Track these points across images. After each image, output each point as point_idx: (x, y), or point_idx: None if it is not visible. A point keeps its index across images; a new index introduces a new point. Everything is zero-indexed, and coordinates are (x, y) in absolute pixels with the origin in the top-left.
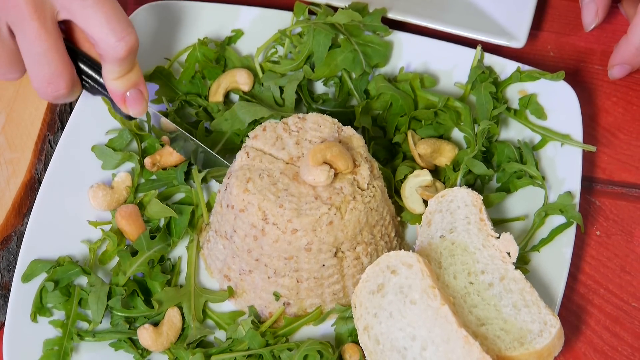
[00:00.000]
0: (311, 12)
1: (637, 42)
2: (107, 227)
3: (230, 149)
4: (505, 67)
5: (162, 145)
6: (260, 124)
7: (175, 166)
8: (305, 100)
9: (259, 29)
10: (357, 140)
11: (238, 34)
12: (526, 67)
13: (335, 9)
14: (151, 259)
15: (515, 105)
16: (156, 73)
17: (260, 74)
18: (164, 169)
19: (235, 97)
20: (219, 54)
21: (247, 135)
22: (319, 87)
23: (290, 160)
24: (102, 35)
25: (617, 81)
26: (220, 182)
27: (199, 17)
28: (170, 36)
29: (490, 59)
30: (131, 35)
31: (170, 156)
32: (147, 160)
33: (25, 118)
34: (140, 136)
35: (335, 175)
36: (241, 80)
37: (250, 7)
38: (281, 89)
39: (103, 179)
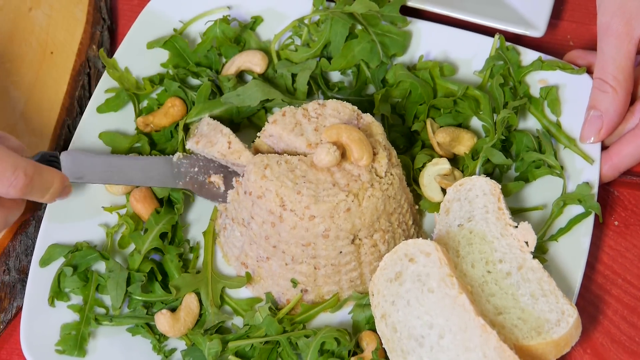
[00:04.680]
0: (330, 1)
1: None
2: (123, 211)
3: (236, 125)
4: (525, 56)
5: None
6: (270, 105)
7: (164, 127)
8: (321, 88)
9: (278, 16)
10: (376, 128)
11: (258, 20)
12: (548, 57)
13: None
14: (162, 231)
15: (535, 92)
16: (170, 41)
17: (276, 60)
18: (157, 130)
19: (248, 79)
20: (237, 35)
21: (267, 120)
22: (335, 75)
23: (309, 147)
24: None
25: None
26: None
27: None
28: (189, 9)
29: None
30: (18, 178)
31: (164, 117)
32: (140, 120)
33: (44, 103)
34: (137, 96)
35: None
36: (254, 60)
37: None
38: (294, 78)
39: None
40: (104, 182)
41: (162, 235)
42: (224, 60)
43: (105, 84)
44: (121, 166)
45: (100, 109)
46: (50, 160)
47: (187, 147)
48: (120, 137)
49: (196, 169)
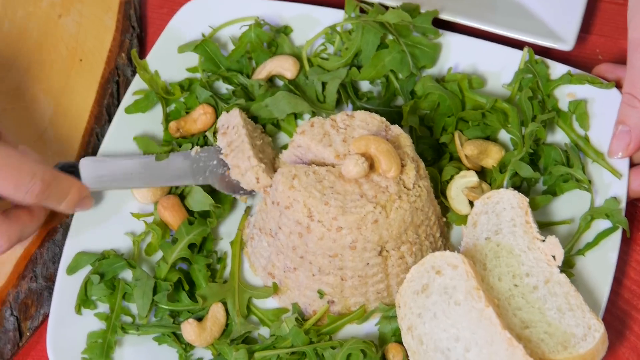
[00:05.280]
0: (362, 11)
1: None
2: (150, 219)
3: (262, 127)
4: (553, 69)
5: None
6: (300, 117)
7: (193, 134)
8: (350, 97)
9: (311, 22)
10: (405, 140)
11: (288, 30)
12: (577, 71)
13: (387, 8)
14: (192, 242)
15: (563, 106)
16: (201, 45)
17: (307, 67)
18: (184, 137)
19: (279, 84)
20: (271, 39)
21: (295, 130)
22: (364, 85)
23: (337, 158)
24: (9, 192)
25: None
26: None
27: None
28: (218, 17)
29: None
30: (35, 185)
31: (194, 124)
32: (172, 125)
33: (73, 110)
34: (166, 100)
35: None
36: (286, 66)
37: (302, 4)
38: (324, 85)
39: None
40: (126, 187)
41: (191, 246)
42: (254, 64)
43: (135, 89)
44: (141, 168)
45: (129, 110)
46: (69, 170)
47: (217, 143)
48: (153, 143)
49: (215, 162)
